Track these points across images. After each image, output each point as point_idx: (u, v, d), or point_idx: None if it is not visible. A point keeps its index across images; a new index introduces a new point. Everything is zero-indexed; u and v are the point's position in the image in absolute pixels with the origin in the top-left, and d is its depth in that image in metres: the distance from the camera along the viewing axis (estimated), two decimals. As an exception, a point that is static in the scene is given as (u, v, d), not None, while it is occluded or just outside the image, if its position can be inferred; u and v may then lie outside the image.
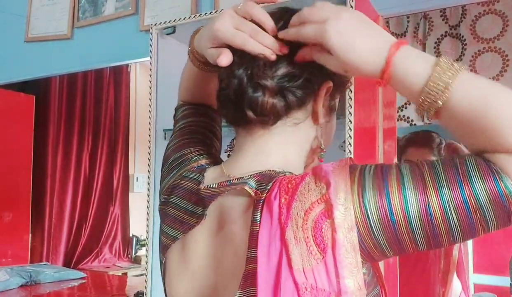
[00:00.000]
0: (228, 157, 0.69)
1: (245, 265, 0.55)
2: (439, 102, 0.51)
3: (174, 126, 0.82)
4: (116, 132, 3.95)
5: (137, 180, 4.10)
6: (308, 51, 0.60)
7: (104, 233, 3.87)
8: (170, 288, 0.69)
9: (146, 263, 1.76)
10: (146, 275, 1.77)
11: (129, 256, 4.03)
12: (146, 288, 1.76)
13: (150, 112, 1.79)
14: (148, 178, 1.77)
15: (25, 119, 3.08)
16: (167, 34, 1.85)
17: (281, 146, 0.64)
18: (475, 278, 2.08)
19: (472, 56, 1.90)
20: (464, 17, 1.90)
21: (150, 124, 1.79)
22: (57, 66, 2.46)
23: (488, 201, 0.49)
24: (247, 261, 0.55)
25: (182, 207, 0.67)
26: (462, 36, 1.92)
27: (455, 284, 1.71)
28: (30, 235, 3.11)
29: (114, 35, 2.28)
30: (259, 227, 0.54)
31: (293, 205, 0.53)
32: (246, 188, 0.58)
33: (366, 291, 0.53)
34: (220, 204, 0.63)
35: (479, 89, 0.51)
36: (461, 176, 0.50)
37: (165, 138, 1.84)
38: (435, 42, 1.93)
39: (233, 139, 0.69)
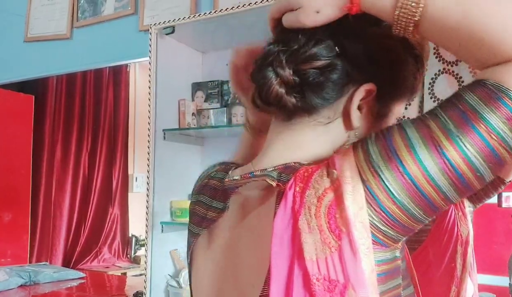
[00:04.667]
0: None
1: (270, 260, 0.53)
2: (417, 16, 0.50)
3: None
4: (115, 132, 3.95)
5: (136, 180, 4.10)
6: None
7: (104, 233, 3.86)
8: (195, 285, 0.68)
9: (145, 263, 1.76)
10: (145, 275, 1.76)
11: (128, 256, 4.03)
12: (145, 288, 1.76)
13: (149, 112, 1.79)
14: (148, 178, 1.77)
15: (24, 119, 3.08)
16: (167, 34, 1.84)
17: (308, 145, 0.60)
18: (474, 278, 2.08)
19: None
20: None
21: (149, 124, 1.79)
22: (56, 66, 2.46)
23: (506, 127, 0.46)
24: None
25: (207, 204, 0.67)
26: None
27: (469, 285, 1.71)
28: (29, 235, 3.11)
29: (114, 35, 2.28)
30: (275, 219, 0.52)
31: (306, 193, 0.51)
32: (268, 180, 0.57)
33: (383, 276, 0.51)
34: (243, 197, 0.62)
35: None
36: (468, 115, 0.47)
37: (164, 138, 1.84)
38: (434, 47, 1.93)
39: None
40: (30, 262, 3.09)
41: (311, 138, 0.60)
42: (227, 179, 0.63)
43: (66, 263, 3.57)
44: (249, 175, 0.59)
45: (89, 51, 2.34)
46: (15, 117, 3.01)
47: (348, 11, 0.54)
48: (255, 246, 0.57)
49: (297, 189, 0.52)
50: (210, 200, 0.67)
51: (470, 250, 1.74)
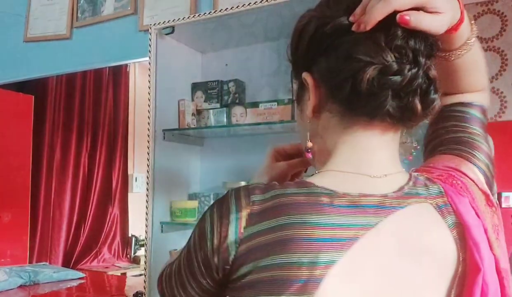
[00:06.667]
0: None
1: (460, 267, 0.57)
2: (471, 49, 0.64)
3: None
4: (115, 132, 3.95)
5: (136, 180, 4.10)
6: (416, 14, 0.54)
7: (103, 233, 3.86)
8: None
9: (145, 263, 1.76)
10: (145, 275, 1.76)
11: (128, 256, 4.03)
12: (145, 288, 1.76)
13: (149, 112, 1.79)
14: (147, 178, 1.77)
15: (24, 119, 3.08)
16: (166, 34, 1.84)
17: (397, 153, 0.63)
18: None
19: (471, 56, 1.90)
20: (463, 17, 1.90)
21: (149, 124, 1.79)
22: (56, 66, 2.46)
23: None
24: (462, 263, 0.58)
25: (320, 224, 0.54)
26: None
27: None
28: (29, 235, 3.11)
29: (113, 35, 2.28)
30: (468, 227, 0.58)
31: (479, 202, 0.61)
32: (425, 198, 0.60)
33: None
34: (396, 216, 0.57)
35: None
36: None
37: (164, 139, 1.84)
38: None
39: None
40: (30, 262, 3.09)
41: (396, 149, 0.64)
42: (361, 194, 0.57)
43: (66, 263, 3.57)
44: (403, 194, 0.59)
45: (88, 51, 2.34)
46: (15, 117, 3.01)
47: (453, 30, 0.60)
48: (419, 259, 0.57)
49: (470, 198, 0.61)
50: (325, 218, 0.55)
51: None
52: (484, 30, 1.87)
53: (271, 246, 0.54)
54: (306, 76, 0.62)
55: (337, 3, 0.60)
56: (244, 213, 0.56)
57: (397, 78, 0.54)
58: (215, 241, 0.57)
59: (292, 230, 0.54)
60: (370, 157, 0.60)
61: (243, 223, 0.56)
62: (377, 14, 0.53)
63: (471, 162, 0.66)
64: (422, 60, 0.54)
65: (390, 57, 0.54)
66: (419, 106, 0.56)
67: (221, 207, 0.58)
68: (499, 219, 0.63)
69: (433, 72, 0.56)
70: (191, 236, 0.63)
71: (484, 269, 0.56)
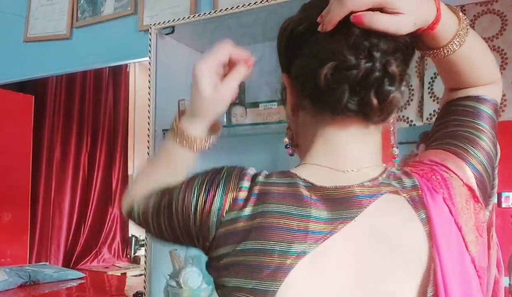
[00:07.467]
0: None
1: (433, 264, 0.56)
2: (464, 44, 0.61)
3: None
4: (115, 132, 3.95)
5: (136, 180, 4.10)
6: (372, 15, 0.55)
7: (103, 233, 3.86)
8: None
9: (145, 263, 1.76)
10: (145, 275, 1.76)
11: (128, 256, 4.03)
12: (145, 288, 1.76)
13: (149, 112, 1.79)
14: (147, 178, 1.77)
15: (24, 119, 3.08)
16: (166, 34, 1.84)
17: (376, 148, 0.64)
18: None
19: (471, 56, 1.90)
20: (463, 17, 1.90)
21: (149, 124, 1.79)
22: (56, 66, 2.46)
23: None
24: (433, 260, 0.56)
25: (297, 215, 0.57)
26: (461, 36, 1.92)
27: None
28: (29, 235, 3.11)
29: (113, 35, 2.28)
30: (433, 225, 0.56)
31: (457, 199, 0.59)
32: (401, 192, 0.59)
33: None
34: (372, 207, 0.58)
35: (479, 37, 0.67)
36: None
37: (163, 138, 1.84)
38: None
39: None
40: (29, 262, 3.09)
41: (375, 144, 0.64)
42: (340, 187, 0.59)
43: (66, 263, 3.57)
44: (378, 183, 0.60)
45: (88, 51, 2.34)
46: (15, 117, 3.01)
47: (429, 29, 0.58)
48: (392, 252, 0.57)
49: (446, 195, 0.59)
50: (301, 210, 0.57)
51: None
52: (484, 30, 1.87)
53: (248, 232, 0.57)
54: (283, 76, 0.67)
55: (315, 6, 0.62)
56: (229, 197, 0.60)
57: (353, 72, 0.55)
58: (198, 217, 0.61)
59: (270, 218, 0.57)
60: (341, 152, 0.62)
61: (226, 207, 0.59)
62: (335, 15, 0.56)
63: (461, 159, 0.63)
64: (377, 55, 0.55)
65: (347, 54, 0.55)
66: (374, 100, 0.56)
67: (211, 181, 0.62)
68: (490, 216, 0.65)
69: (392, 68, 0.55)
70: (177, 187, 0.65)
71: (444, 268, 0.55)
